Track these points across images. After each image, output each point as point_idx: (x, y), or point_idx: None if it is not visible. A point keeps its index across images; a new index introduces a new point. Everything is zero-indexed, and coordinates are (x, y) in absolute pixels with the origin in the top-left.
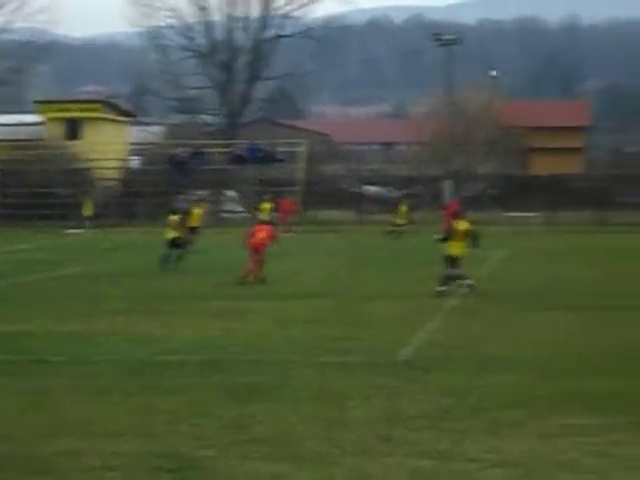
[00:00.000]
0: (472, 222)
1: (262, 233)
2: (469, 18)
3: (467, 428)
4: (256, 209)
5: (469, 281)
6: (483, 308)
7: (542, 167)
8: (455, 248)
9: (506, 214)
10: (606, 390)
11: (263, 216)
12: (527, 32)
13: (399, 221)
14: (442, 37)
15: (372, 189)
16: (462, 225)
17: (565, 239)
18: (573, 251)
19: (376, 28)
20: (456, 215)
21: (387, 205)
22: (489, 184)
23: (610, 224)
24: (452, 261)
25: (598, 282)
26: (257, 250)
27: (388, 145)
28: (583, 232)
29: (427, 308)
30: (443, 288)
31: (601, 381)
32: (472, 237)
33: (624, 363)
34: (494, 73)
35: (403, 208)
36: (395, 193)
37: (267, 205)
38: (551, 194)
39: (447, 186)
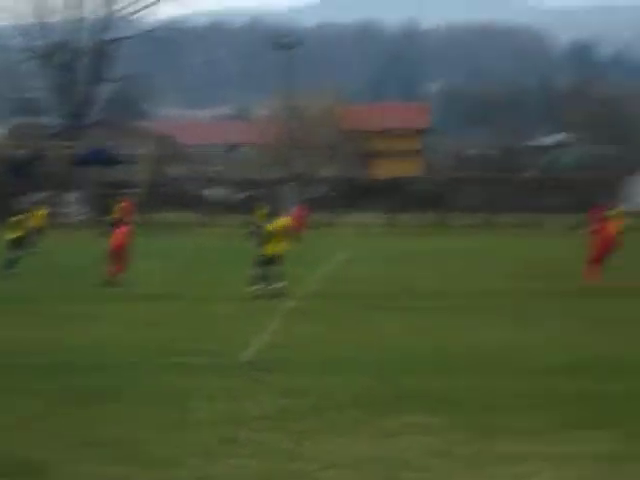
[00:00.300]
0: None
1: (119, 235)
2: (309, 22)
3: (308, 428)
4: (109, 211)
5: (281, 284)
6: (324, 309)
7: (383, 170)
8: (272, 248)
9: (348, 216)
10: (446, 389)
11: (116, 218)
12: (367, 36)
13: (260, 222)
14: (282, 41)
15: (215, 191)
16: (279, 223)
17: (406, 241)
18: (414, 253)
19: (218, 31)
20: (271, 215)
21: (229, 207)
22: (331, 187)
23: (450, 226)
24: (268, 261)
25: (437, 283)
26: (117, 252)
27: (231, 147)
28: (423, 234)
29: (268, 309)
30: (279, 285)
31: (441, 381)
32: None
33: (463, 363)
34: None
35: (264, 211)
36: (237, 195)
37: (119, 207)
38: (392, 197)
39: (289, 189)
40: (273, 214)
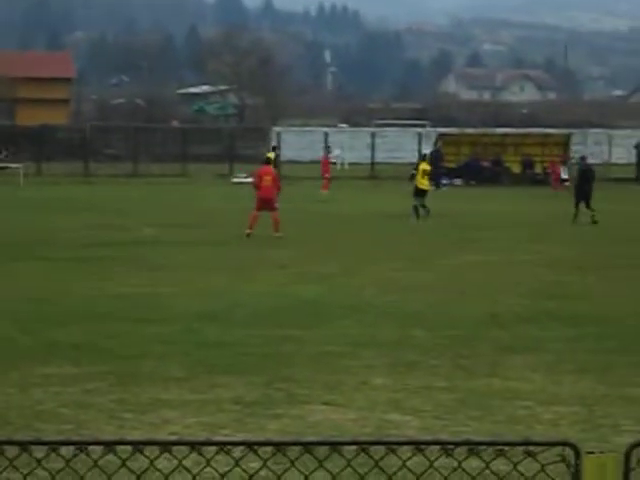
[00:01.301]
0: None
1: None
2: None
3: None
4: None
5: None
6: None
7: (30, 118)
8: None
9: None
10: (93, 339)
11: None
12: None
13: None
14: None
15: None
16: None
17: (52, 190)
18: (60, 201)
19: None
20: None
21: None
22: None
23: (95, 175)
24: None
25: (81, 233)
26: None
27: None
28: (69, 183)
29: None
30: None
31: (88, 330)
32: None
33: (109, 310)
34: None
35: None
36: None
37: None
38: (39, 145)
39: None
40: None
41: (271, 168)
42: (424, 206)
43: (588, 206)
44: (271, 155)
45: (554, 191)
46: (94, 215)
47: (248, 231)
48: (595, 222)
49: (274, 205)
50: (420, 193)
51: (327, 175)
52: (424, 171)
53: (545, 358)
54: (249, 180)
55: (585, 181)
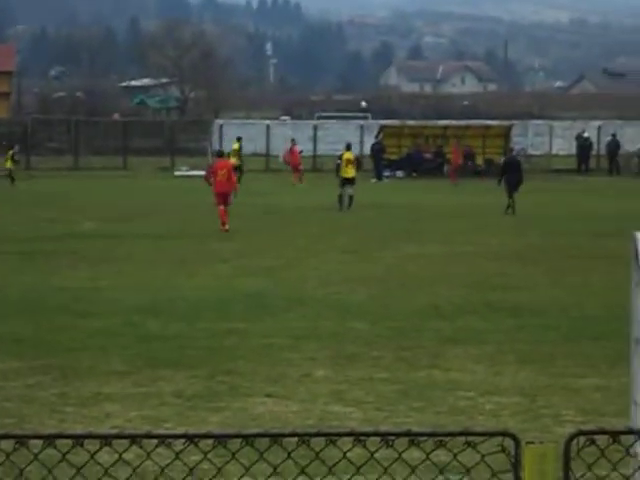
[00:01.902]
0: None
1: None
2: None
3: None
4: None
5: None
6: None
7: None
8: None
9: None
10: (33, 332)
11: None
12: None
13: (8, 166)
14: None
15: None
16: None
17: None
18: (1, 195)
19: None
20: None
21: None
22: None
23: (35, 169)
24: None
25: (26, 228)
26: None
27: None
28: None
29: None
30: None
31: (27, 324)
32: None
33: (50, 304)
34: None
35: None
36: None
37: None
38: None
39: None
40: None
41: (227, 162)
42: (351, 197)
43: (510, 195)
44: (236, 146)
45: (452, 183)
46: (35, 209)
47: (225, 227)
48: (507, 212)
49: (229, 200)
50: (346, 182)
51: (300, 167)
52: (347, 160)
53: (486, 349)
54: (193, 173)
55: (511, 171)
